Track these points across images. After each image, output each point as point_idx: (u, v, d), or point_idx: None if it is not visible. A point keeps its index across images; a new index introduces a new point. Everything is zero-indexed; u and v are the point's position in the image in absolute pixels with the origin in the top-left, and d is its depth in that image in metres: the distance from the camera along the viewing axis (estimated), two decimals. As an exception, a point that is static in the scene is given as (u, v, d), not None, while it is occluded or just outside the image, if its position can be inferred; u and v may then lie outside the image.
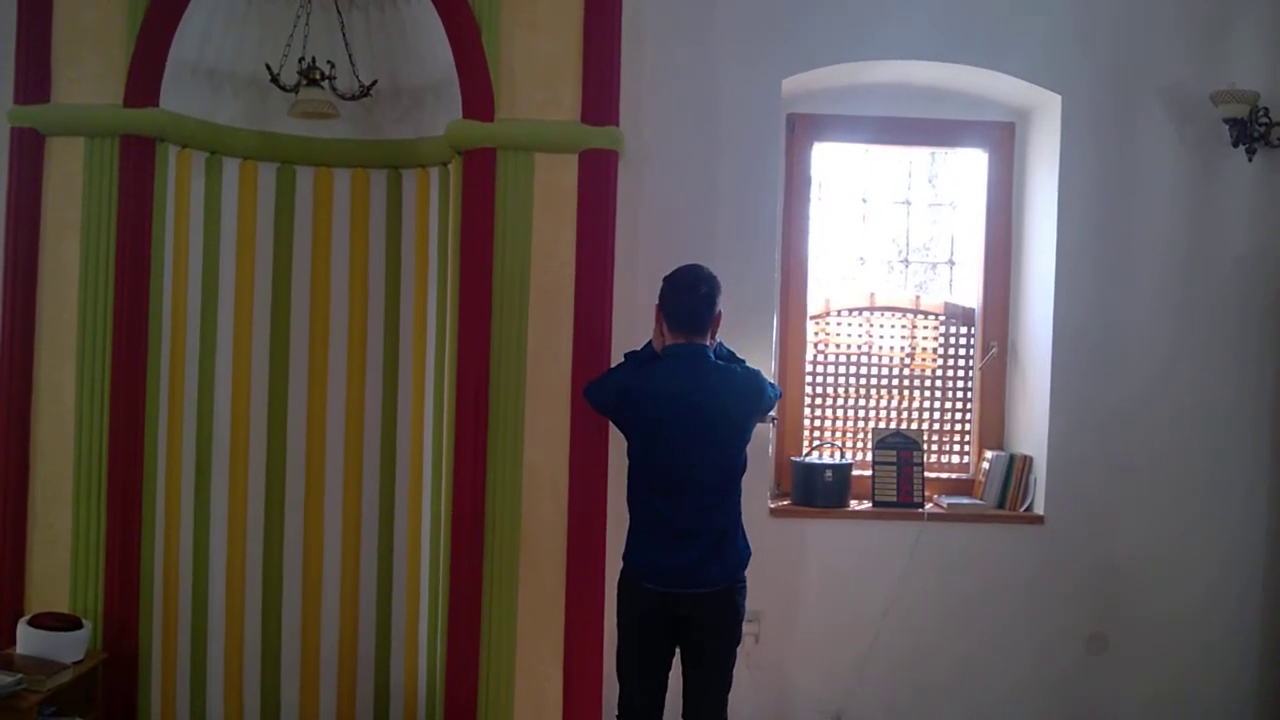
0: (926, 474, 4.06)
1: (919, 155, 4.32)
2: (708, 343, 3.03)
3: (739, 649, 3.07)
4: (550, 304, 3.35)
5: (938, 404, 4.22)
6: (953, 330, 4.24)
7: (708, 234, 3.76)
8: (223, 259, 3.55)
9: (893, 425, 4.18)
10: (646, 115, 3.71)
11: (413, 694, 3.61)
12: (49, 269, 3.33)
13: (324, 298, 3.66)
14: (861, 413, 4.21)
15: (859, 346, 4.22)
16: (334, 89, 3.39)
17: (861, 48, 3.83)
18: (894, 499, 3.99)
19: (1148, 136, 3.90)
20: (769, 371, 3.75)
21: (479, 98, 3.34)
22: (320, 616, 3.66)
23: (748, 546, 3.07)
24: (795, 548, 3.87)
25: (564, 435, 3.35)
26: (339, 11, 3.45)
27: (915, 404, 4.22)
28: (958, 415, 4.23)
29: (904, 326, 4.24)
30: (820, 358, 4.21)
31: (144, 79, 3.31)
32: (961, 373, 4.24)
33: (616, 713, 3.10)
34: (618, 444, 3.20)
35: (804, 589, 3.88)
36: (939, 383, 4.23)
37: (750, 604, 3.09)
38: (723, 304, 3.05)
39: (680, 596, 2.96)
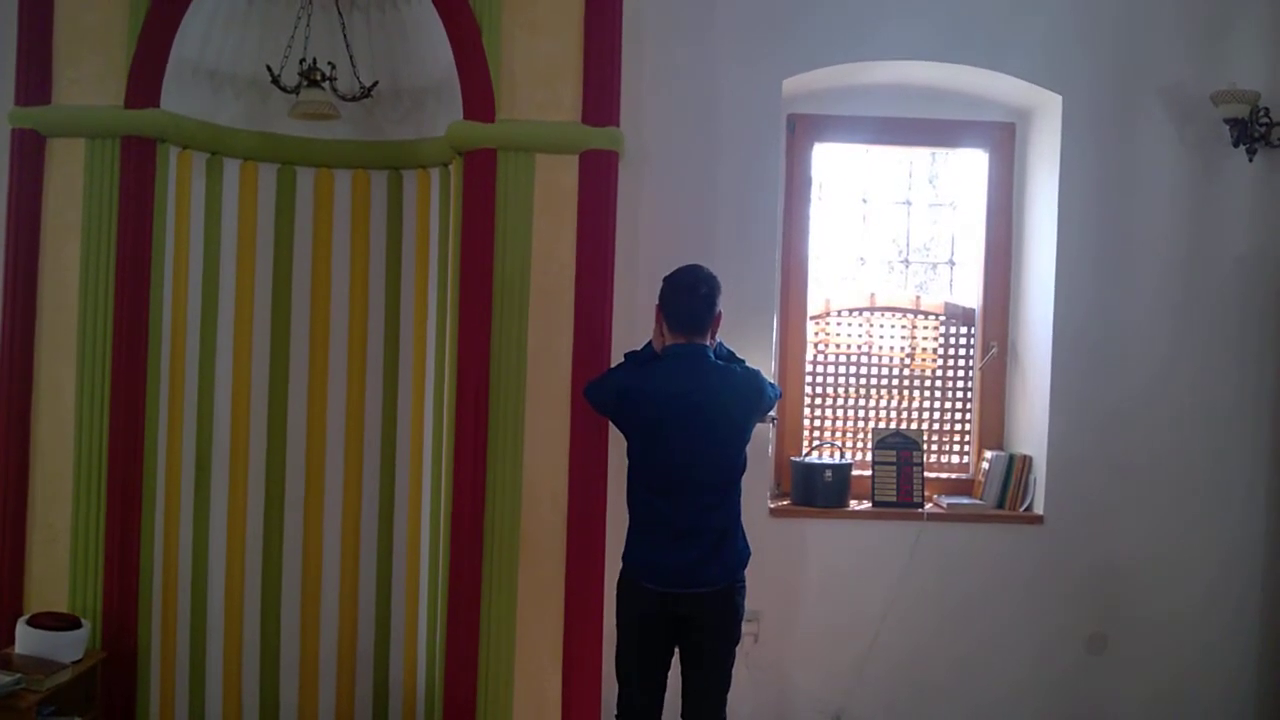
0: (926, 474, 4.06)
1: (919, 155, 4.32)
2: (708, 343, 3.03)
3: (738, 649, 3.08)
4: (550, 304, 3.35)
5: (938, 404, 4.22)
6: (953, 330, 4.24)
7: (708, 234, 3.76)
8: (223, 260, 3.56)
9: (893, 425, 4.18)
10: (646, 115, 3.71)
11: (412, 694, 3.61)
12: (50, 270, 3.33)
13: (324, 298, 3.67)
14: (861, 413, 4.21)
15: (859, 347, 4.22)
16: (335, 90, 3.39)
17: (861, 48, 3.83)
18: (894, 499, 3.99)
19: (1148, 136, 3.90)
20: (769, 371, 3.75)
21: (479, 98, 3.34)
22: (319, 616, 3.67)
23: (747, 546, 3.07)
24: (795, 548, 3.87)
25: (564, 436, 3.35)
26: (340, 13, 3.45)
27: (915, 404, 4.22)
28: (957, 415, 4.23)
29: (904, 327, 4.23)
30: (820, 358, 4.21)
31: (145, 80, 3.31)
32: (961, 373, 4.24)
33: (616, 713, 3.10)
34: (617, 444, 3.20)
35: (803, 589, 3.88)
36: (939, 383, 4.23)
37: (750, 604, 3.09)
38: (723, 304, 3.05)
39: (680, 596, 2.96)
